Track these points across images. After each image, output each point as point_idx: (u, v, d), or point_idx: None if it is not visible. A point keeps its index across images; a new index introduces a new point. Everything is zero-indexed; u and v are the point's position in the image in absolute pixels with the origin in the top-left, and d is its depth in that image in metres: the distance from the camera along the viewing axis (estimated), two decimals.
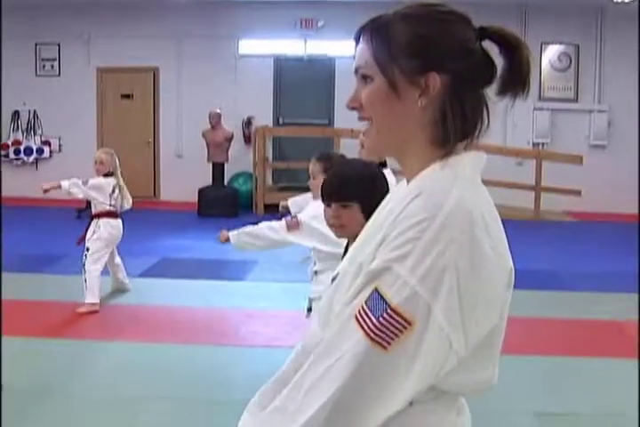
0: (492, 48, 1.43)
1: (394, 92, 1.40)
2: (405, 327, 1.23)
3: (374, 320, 1.24)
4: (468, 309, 1.27)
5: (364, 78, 1.44)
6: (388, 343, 1.23)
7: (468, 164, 1.41)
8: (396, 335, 1.23)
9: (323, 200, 3.08)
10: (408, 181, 1.45)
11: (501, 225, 1.38)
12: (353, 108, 1.46)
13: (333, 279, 1.51)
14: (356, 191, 2.96)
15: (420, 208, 1.28)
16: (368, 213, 2.98)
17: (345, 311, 1.30)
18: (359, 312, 1.26)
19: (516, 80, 1.42)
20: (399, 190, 1.48)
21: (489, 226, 1.31)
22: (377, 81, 1.42)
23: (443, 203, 1.28)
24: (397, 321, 1.24)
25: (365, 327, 1.25)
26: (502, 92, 1.42)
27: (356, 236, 3.01)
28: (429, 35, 1.40)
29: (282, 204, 5.71)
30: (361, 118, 1.46)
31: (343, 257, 3.11)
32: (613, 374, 5.37)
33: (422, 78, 1.39)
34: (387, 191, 3.05)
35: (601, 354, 5.80)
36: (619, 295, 7.49)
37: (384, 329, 1.24)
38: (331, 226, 3.09)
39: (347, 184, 3.00)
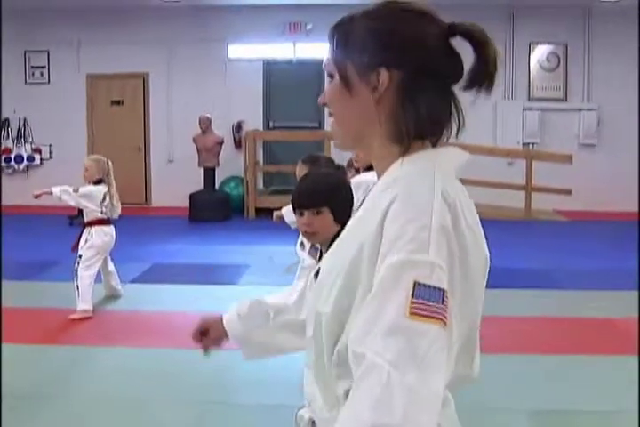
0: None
1: (347, 88, 1.42)
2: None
3: (439, 305, 1.22)
4: (462, 296, 1.28)
5: (330, 76, 1.47)
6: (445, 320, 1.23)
7: (444, 158, 1.41)
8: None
9: (294, 209, 3.14)
10: (379, 176, 1.45)
11: (477, 217, 1.39)
12: (324, 105, 1.49)
13: (316, 275, 1.51)
14: (326, 196, 3.05)
15: (413, 200, 1.28)
16: (338, 217, 3.05)
17: (379, 324, 1.22)
18: (414, 308, 1.21)
19: (481, 75, 1.40)
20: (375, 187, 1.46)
21: (467, 217, 1.32)
22: (335, 78, 1.45)
23: (431, 194, 1.29)
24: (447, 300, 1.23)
25: (438, 315, 1.21)
26: (467, 86, 1.42)
27: (328, 241, 3.09)
28: (381, 31, 1.40)
29: (276, 214, 5.72)
30: (330, 114, 1.50)
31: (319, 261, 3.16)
32: (607, 371, 5.39)
33: (373, 74, 1.40)
34: (352, 198, 3.17)
35: (594, 352, 5.82)
36: (611, 293, 7.52)
37: (447, 309, 1.22)
38: (304, 233, 3.14)
39: (317, 190, 3.08)
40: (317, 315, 1.40)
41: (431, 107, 1.39)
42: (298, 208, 3.12)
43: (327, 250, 3.03)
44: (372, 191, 1.43)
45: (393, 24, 1.41)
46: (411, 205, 1.28)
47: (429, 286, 1.21)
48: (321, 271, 1.48)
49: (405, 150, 1.40)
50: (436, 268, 1.23)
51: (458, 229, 1.28)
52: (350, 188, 3.19)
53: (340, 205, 3.03)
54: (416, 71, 1.38)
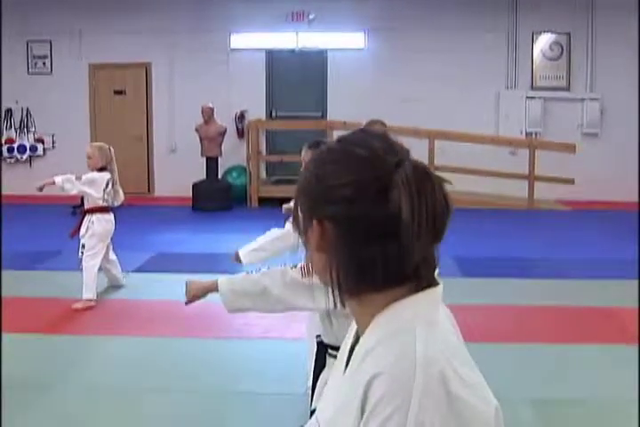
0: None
1: (303, 238, 1.30)
2: None
3: None
4: None
5: None
6: None
7: (424, 304, 1.24)
8: None
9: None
10: (360, 333, 1.29)
11: (471, 359, 1.25)
12: None
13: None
14: None
15: (392, 390, 1.13)
16: None
17: None
18: None
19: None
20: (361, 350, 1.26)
21: (462, 372, 1.18)
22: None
23: (412, 371, 1.14)
24: None
25: None
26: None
27: None
28: (309, 178, 1.27)
29: (285, 206, 5.71)
30: None
31: None
32: (608, 360, 5.41)
33: (310, 225, 1.26)
34: None
35: (595, 341, 5.83)
36: (613, 282, 7.53)
37: None
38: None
39: None
40: None
41: (373, 255, 1.20)
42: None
43: None
44: (354, 353, 1.27)
45: (318, 170, 1.26)
46: (389, 395, 1.12)
47: None
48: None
49: (367, 307, 1.25)
50: None
51: (451, 400, 1.13)
52: None
53: None
54: (344, 222, 1.21)
